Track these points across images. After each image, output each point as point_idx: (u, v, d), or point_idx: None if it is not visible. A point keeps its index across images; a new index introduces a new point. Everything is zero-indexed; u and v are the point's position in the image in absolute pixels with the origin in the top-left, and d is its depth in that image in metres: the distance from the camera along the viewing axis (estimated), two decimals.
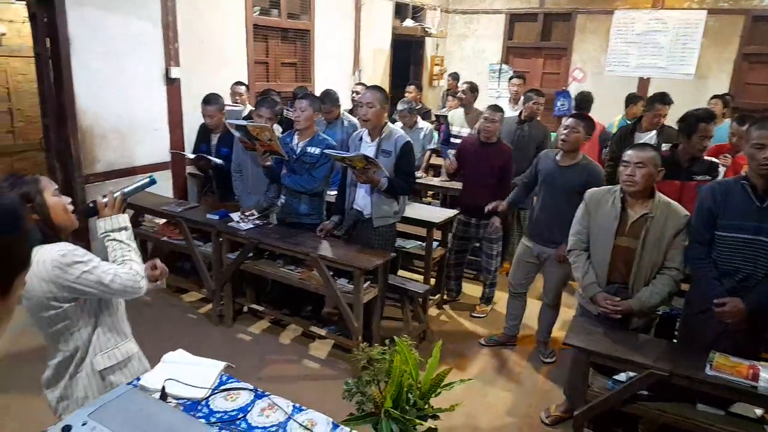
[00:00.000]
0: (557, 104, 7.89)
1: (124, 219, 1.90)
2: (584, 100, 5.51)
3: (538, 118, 4.90)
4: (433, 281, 4.30)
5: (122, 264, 1.80)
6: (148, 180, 2.09)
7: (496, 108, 4.17)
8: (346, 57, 7.09)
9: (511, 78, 5.90)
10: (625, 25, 7.51)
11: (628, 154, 2.62)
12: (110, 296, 1.80)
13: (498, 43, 8.69)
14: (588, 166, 3.32)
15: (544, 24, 8.32)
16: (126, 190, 1.97)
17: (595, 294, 2.72)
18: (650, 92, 7.41)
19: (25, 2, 4.19)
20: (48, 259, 1.63)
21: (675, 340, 2.89)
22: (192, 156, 4.42)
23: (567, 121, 3.39)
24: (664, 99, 4.27)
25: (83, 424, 1.46)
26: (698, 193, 2.72)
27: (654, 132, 4.24)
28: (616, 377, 2.56)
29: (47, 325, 1.75)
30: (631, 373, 2.48)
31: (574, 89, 7.99)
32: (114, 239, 1.86)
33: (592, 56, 7.92)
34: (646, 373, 2.34)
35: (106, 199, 1.88)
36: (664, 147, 3.82)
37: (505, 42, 8.64)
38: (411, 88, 6.46)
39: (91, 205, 1.90)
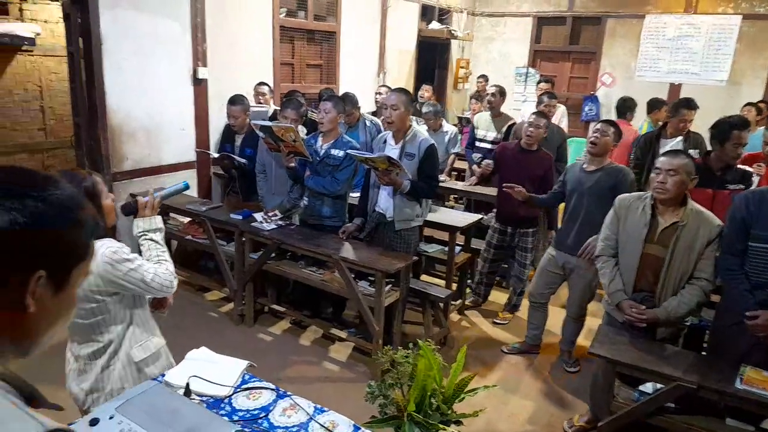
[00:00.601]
0: (585, 109, 7.81)
1: (160, 221, 1.97)
2: (625, 106, 5.44)
3: (556, 122, 4.84)
4: (455, 286, 4.26)
5: (158, 264, 1.87)
6: (182, 185, 2.17)
7: (541, 114, 4.10)
8: (371, 59, 7.11)
9: (539, 82, 5.81)
10: (656, 30, 7.38)
11: (661, 161, 2.57)
12: (147, 293, 1.87)
13: (525, 47, 8.61)
14: (616, 169, 3.30)
15: (573, 27, 8.22)
16: (163, 192, 2.04)
17: (621, 301, 2.67)
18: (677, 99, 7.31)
19: (60, 3, 4.30)
20: (99, 253, 1.68)
21: (704, 353, 2.82)
22: (216, 155, 4.47)
23: (597, 125, 3.35)
24: (689, 104, 4.16)
25: (110, 418, 1.48)
26: (731, 203, 2.65)
27: (680, 138, 4.14)
28: (642, 388, 2.50)
29: (84, 317, 1.79)
30: (658, 385, 2.42)
31: (602, 94, 7.89)
32: (151, 239, 1.93)
33: (622, 61, 7.80)
34: (673, 385, 2.29)
35: (146, 199, 1.94)
36: (692, 152, 3.73)
37: (533, 45, 8.56)
38: (427, 87, 6.46)
39: (132, 203, 1.93)
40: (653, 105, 5.54)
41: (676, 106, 4.22)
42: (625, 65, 7.77)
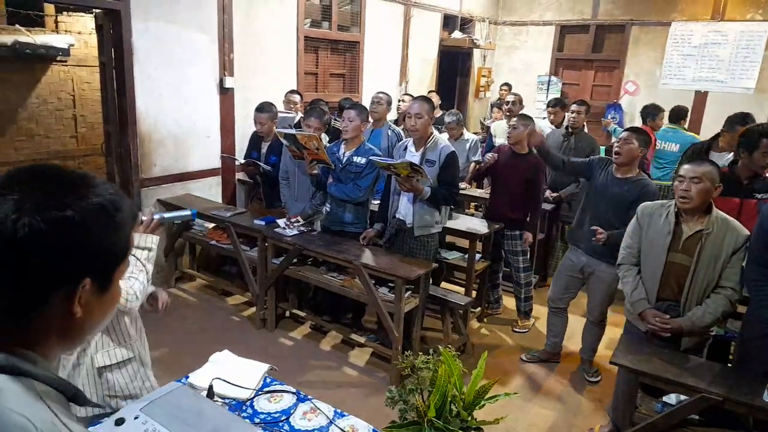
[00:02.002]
0: (608, 117, 7.72)
1: (152, 240, 1.91)
2: (646, 112, 5.42)
3: (585, 130, 4.80)
4: (474, 294, 4.25)
5: (126, 279, 1.81)
6: (189, 213, 2.09)
7: (523, 116, 4.20)
8: (393, 68, 7.16)
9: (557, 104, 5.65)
10: (682, 37, 7.28)
11: (684, 169, 2.55)
12: None
13: (547, 55, 8.57)
14: (643, 182, 3.21)
15: (596, 36, 8.16)
16: (165, 216, 1.98)
17: (643, 310, 2.64)
18: (708, 107, 7.17)
19: (93, 15, 4.44)
20: None
21: (729, 365, 2.77)
22: (242, 161, 4.55)
23: (622, 134, 3.31)
24: (746, 120, 3.97)
25: (135, 418, 1.52)
26: (759, 212, 2.61)
27: (731, 155, 4.00)
28: (665, 399, 2.46)
29: None
30: (682, 396, 2.38)
31: (626, 102, 7.80)
32: (133, 255, 1.87)
33: (646, 69, 7.71)
34: (698, 397, 2.25)
35: (144, 218, 1.89)
36: (716, 158, 3.65)
37: (555, 54, 8.52)
38: (432, 93, 6.52)
39: None
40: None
41: (731, 122, 4.07)
42: (649, 73, 7.68)
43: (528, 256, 4.25)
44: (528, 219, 4.17)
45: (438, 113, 5.29)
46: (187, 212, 2.09)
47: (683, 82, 7.33)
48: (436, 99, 6.44)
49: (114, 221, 0.77)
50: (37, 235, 0.69)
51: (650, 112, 5.42)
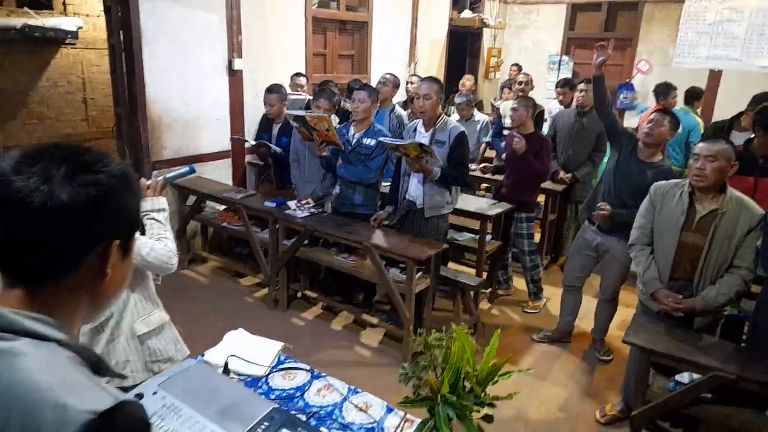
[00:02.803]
0: (620, 97, 7.62)
1: (164, 201, 2.00)
2: (658, 90, 5.32)
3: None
4: (485, 274, 4.25)
5: (158, 240, 1.91)
6: (188, 169, 2.19)
7: (523, 98, 4.17)
8: (402, 49, 7.09)
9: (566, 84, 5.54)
10: (696, 14, 7.13)
11: (699, 147, 2.51)
12: (145, 268, 1.91)
13: (558, 34, 8.44)
14: (666, 169, 3.11)
15: (609, 13, 8.01)
16: (168, 175, 2.08)
17: (656, 290, 2.63)
18: (722, 85, 7.04)
19: None
20: None
21: (743, 344, 2.76)
22: (253, 142, 4.55)
23: (652, 116, 3.20)
24: None
25: (154, 393, 1.55)
26: None
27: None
28: (678, 378, 2.47)
29: None
30: (695, 375, 2.38)
31: (638, 82, 7.69)
32: (153, 218, 1.96)
33: (659, 47, 7.58)
34: (710, 375, 2.25)
35: (149, 182, 1.98)
36: (738, 138, 3.59)
37: (566, 33, 8.39)
38: (469, 76, 6.43)
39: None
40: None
41: (758, 99, 3.97)
42: (662, 51, 7.55)
43: (533, 240, 4.23)
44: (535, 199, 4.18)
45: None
46: (186, 169, 2.20)
47: (697, 61, 7.19)
48: (470, 81, 6.36)
49: (133, 187, 0.83)
50: (74, 199, 0.72)
51: (662, 91, 5.31)
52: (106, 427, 0.68)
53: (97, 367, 0.80)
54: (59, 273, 0.76)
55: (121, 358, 1.92)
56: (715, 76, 7.09)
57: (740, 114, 4.07)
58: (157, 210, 1.97)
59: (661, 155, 3.20)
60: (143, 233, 1.93)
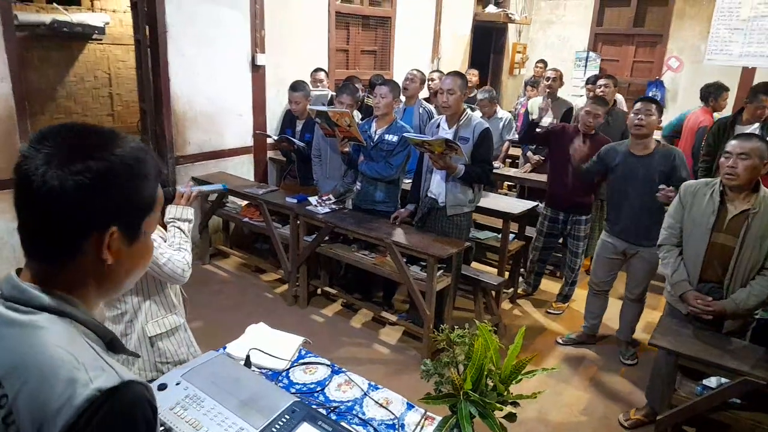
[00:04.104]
0: (648, 94, 7.46)
1: (192, 212, 2.02)
2: (707, 91, 5.02)
3: (625, 108, 4.64)
4: (507, 274, 4.20)
5: (177, 251, 1.91)
6: (221, 186, 2.37)
7: (599, 101, 3.94)
8: (425, 44, 7.05)
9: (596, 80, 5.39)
10: (729, 10, 6.92)
11: (731, 145, 2.44)
12: (157, 275, 1.90)
13: (585, 30, 8.30)
14: (668, 151, 3.17)
15: (638, 9, 7.84)
16: (202, 188, 2.13)
17: (685, 292, 2.56)
18: (756, 83, 6.84)
19: None
20: None
21: None
22: (276, 138, 4.57)
23: (638, 105, 3.16)
24: None
25: (177, 384, 1.56)
26: None
27: (757, 125, 3.89)
28: (705, 382, 2.40)
29: None
30: (723, 379, 2.31)
31: (668, 79, 7.52)
32: (178, 227, 1.99)
33: (691, 44, 7.40)
34: (740, 380, 2.19)
35: (185, 190, 2.02)
36: (741, 132, 3.51)
37: (594, 28, 8.24)
38: (473, 71, 6.36)
39: (171, 191, 2.02)
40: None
41: (754, 91, 3.95)
42: (693, 48, 7.36)
43: (586, 241, 4.11)
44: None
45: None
46: (219, 186, 2.41)
47: (730, 58, 6.99)
48: (475, 77, 6.31)
49: (137, 172, 0.81)
50: (63, 185, 0.73)
51: (713, 92, 4.97)
52: (110, 404, 0.70)
53: (112, 344, 0.83)
54: (61, 255, 0.78)
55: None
56: (748, 74, 6.89)
57: (742, 108, 4.01)
58: (183, 219, 2.00)
59: (654, 144, 3.19)
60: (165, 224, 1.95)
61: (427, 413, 1.64)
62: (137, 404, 0.74)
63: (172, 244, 1.94)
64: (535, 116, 5.14)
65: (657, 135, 3.72)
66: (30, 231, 0.78)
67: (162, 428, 1.42)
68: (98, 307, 0.86)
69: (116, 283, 0.86)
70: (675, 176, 3.07)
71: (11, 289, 0.78)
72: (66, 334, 0.75)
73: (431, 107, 4.78)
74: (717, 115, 4.93)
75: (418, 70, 4.81)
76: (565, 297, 4.20)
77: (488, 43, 8.32)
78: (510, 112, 6.03)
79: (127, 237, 0.82)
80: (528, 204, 4.22)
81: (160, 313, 1.97)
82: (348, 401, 1.70)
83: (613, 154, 3.32)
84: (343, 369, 1.86)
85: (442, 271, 3.40)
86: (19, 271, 0.81)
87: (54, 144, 0.76)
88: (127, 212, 0.81)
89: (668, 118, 5.96)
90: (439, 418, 1.47)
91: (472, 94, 5.13)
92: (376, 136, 3.69)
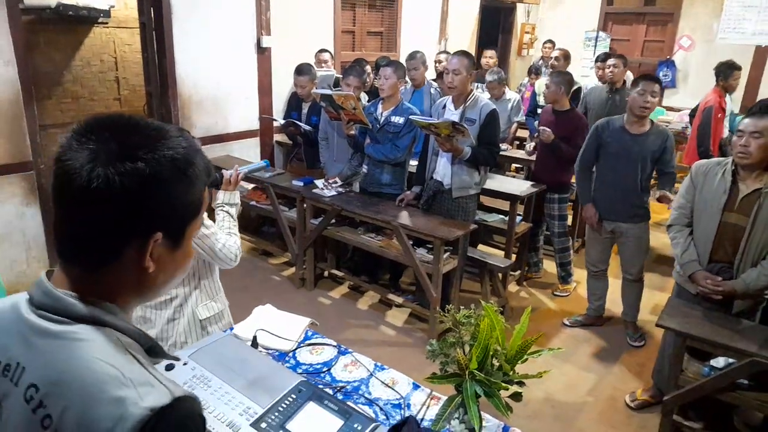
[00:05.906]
0: (659, 74, 7.35)
1: (238, 196, 2.06)
2: (719, 70, 4.87)
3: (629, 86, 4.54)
4: (514, 257, 4.19)
5: (229, 236, 1.95)
6: (264, 164, 2.36)
7: (557, 73, 4.09)
8: (432, 25, 6.96)
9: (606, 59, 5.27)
10: None
11: (744, 123, 2.39)
12: (212, 261, 1.95)
13: (595, 9, 8.16)
14: (665, 132, 3.22)
15: None
16: (246, 169, 2.15)
17: (694, 272, 2.54)
18: None
19: None
20: None
21: None
22: (282, 121, 4.55)
23: (642, 85, 3.12)
24: None
25: (184, 364, 1.57)
26: None
27: None
28: (712, 363, 2.39)
29: None
30: (731, 360, 2.30)
31: (680, 59, 7.39)
32: (227, 212, 2.01)
33: (703, 22, 7.25)
34: (748, 361, 2.17)
35: (230, 174, 2.03)
36: None
37: (604, 7, 8.10)
38: (490, 53, 6.26)
39: (218, 176, 2.01)
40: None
41: (719, 67, 3.84)
42: (706, 27, 7.22)
43: (565, 222, 4.13)
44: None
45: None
46: (262, 163, 2.43)
47: (743, 36, 6.85)
48: (493, 59, 6.19)
49: (186, 176, 0.75)
50: (110, 186, 0.68)
51: (723, 71, 4.71)
52: (163, 424, 0.67)
53: (153, 350, 0.79)
54: (99, 260, 0.73)
55: (180, 339, 1.96)
56: (761, 53, 6.76)
57: None
58: (232, 204, 2.02)
59: (650, 123, 3.23)
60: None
61: (433, 393, 1.64)
62: (189, 421, 0.71)
63: (222, 228, 1.95)
64: (542, 98, 5.10)
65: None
66: (67, 232, 0.73)
67: None
68: (133, 310, 0.83)
69: (155, 290, 0.81)
70: (662, 158, 3.16)
71: (43, 296, 0.73)
72: (108, 346, 0.71)
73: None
74: (728, 97, 4.82)
75: (418, 52, 4.71)
76: (563, 278, 4.19)
77: (496, 23, 8.20)
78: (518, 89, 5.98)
79: (171, 243, 0.77)
80: (535, 186, 4.18)
81: (209, 296, 2.01)
82: (354, 381, 1.70)
83: (609, 130, 3.31)
84: (350, 350, 1.87)
85: (448, 253, 3.40)
86: (49, 274, 0.76)
87: (101, 139, 0.70)
88: (174, 218, 0.76)
89: (679, 98, 5.87)
90: (444, 398, 1.48)
91: (497, 76, 5.06)
92: (382, 118, 3.67)
